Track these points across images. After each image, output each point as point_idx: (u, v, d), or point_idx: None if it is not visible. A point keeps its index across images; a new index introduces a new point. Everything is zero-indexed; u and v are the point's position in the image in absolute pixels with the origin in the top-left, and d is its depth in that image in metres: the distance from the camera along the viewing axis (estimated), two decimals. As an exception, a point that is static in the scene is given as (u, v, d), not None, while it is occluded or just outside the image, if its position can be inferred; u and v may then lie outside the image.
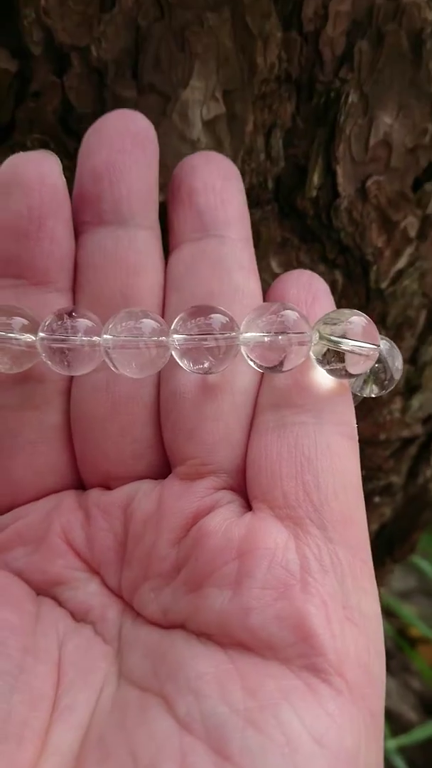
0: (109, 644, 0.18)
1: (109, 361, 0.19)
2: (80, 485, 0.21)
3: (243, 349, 0.19)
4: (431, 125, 0.24)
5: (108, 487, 0.20)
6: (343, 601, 0.17)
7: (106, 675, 0.18)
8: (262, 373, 0.19)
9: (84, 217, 0.20)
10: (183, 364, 0.19)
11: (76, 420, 0.20)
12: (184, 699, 0.16)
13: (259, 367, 0.19)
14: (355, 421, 0.19)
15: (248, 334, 0.19)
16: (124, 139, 0.19)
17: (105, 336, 0.18)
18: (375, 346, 0.19)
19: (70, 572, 0.19)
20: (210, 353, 0.18)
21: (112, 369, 0.19)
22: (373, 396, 0.20)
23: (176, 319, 0.19)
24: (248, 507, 0.18)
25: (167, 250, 0.21)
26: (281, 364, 0.19)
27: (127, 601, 0.19)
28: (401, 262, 0.27)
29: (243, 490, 0.19)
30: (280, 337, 0.18)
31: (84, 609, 0.19)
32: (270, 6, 0.22)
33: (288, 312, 0.19)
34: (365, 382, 0.20)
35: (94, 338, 0.18)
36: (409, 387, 0.31)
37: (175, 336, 0.19)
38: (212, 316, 0.18)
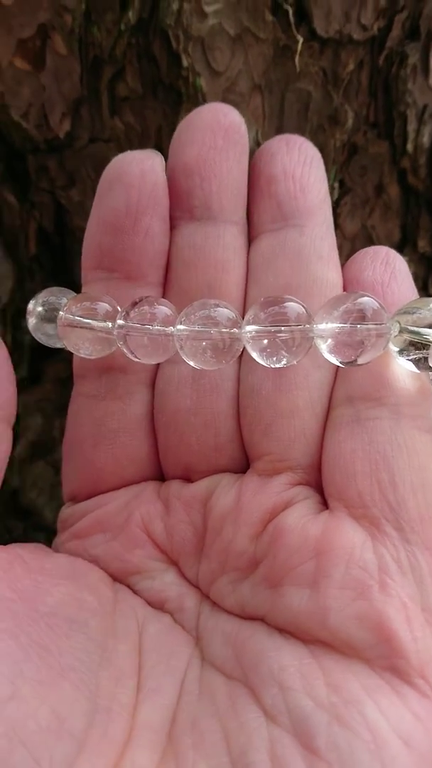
0: (188, 632, 0.19)
1: (181, 351, 0.19)
2: (160, 477, 0.21)
3: (318, 342, 0.18)
4: None
5: (188, 479, 0.20)
6: (423, 604, 0.16)
7: (190, 659, 0.18)
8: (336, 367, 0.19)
9: (176, 212, 0.20)
10: (256, 356, 0.18)
11: (160, 411, 0.20)
12: (269, 690, 0.16)
13: (336, 360, 0.18)
14: None
15: (323, 325, 0.18)
16: (215, 135, 0.19)
17: (179, 326, 0.18)
18: None
19: (148, 562, 0.20)
20: (284, 345, 0.18)
21: (183, 359, 0.19)
22: None
23: (249, 310, 0.18)
24: (325, 503, 0.18)
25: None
26: (358, 357, 0.18)
27: (204, 592, 0.19)
28: None
29: (320, 485, 0.19)
30: (358, 327, 0.17)
31: (161, 599, 0.19)
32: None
33: (365, 300, 0.18)
34: None
35: (169, 328, 0.18)
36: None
37: (248, 327, 0.18)
38: (286, 305, 0.18)
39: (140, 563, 0.20)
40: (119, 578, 0.20)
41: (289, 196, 0.20)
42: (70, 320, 0.19)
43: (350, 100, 0.26)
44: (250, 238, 0.20)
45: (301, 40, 0.24)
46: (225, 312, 0.18)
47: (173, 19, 0.23)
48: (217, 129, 0.19)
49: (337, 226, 0.28)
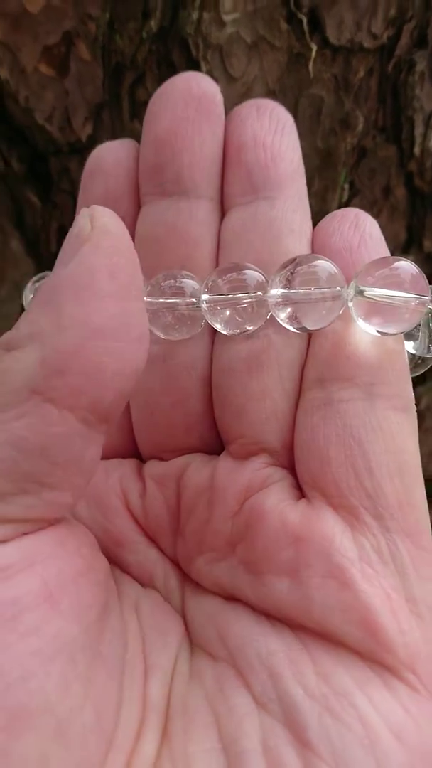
0: (177, 610, 0.18)
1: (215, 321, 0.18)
2: (139, 455, 0.21)
3: (272, 308, 0.17)
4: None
5: (160, 458, 0.20)
6: (406, 594, 0.16)
7: (180, 639, 0.18)
8: (308, 344, 0.18)
9: (147, 188, 0.19)
10: (216, 326, 0.18)
11: (133, 393, 0.20)
12: (258, 676, 0.16)
13: (290, 326, 0.17)
14: (411, 392, 0.17)
15: (274, 291, 0.17)
16: (187, 105, 0.18)
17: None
18: (425, 297, 0.16)
19: (130, 534, 0.19)
20: (242, 313, 0.17)
21: (218, 328, 0.18)
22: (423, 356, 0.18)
23: (206, 279, 0.18)
24: (298, 486, 0.18)
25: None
26: (315, 324, 0.17)
27: (185, 572, 0.19)
28: None
29: (293, 467, 0.18)
30: (311, 292, 0.16)
31: (148, 574, 0.19)
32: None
33: (321, 263, 0.17)
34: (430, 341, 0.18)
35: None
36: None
37: (204, 297, 0.17)
38: (246, 272, 0.17)
39: (123, 534, 0.19)
40: (106, 548, 0.19)
41: (259, 165, 0.18)
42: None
43: (360, 105, 0.27)
44: (223, 211, 0.20)
45: (315, 48, 0.25)
46: (190, 282, 0.18)
47: (193, 28, 0.25)
48: (189, 99, 0.18)
49: (347, 226, 0.29)
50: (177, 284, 0.18)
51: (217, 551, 0.18)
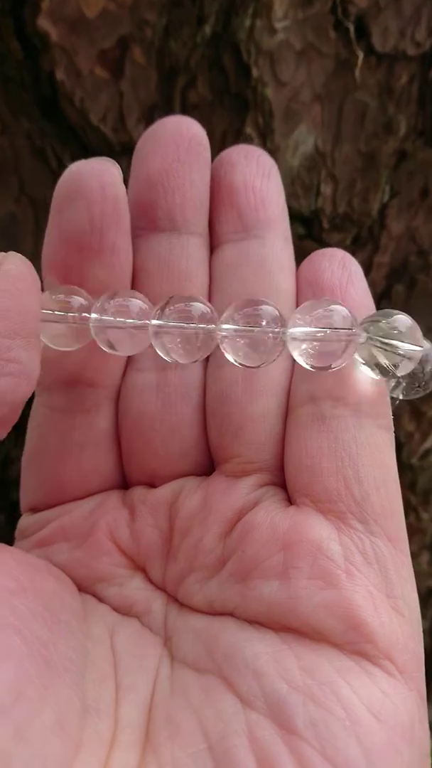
0: (156, 634, 0.19)
1: (159, 345, 0.19)
2: (123, 485, 0.21)
3: (290, 346, 0.18)
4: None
5: (152, 485, 0.20)
6: (387, 591, 0.17)
7: (159, 660, 0.18)
8: (293, 363, 0.19)
9: (139, 223, 0.20)
10: (229, 355, 0.19)
11: (124, 418, 0.20)
12: (244, 678, 0.16)
13: (308, 364, 0.18)
14: (391, 414, 0.19)
15: (296, 329, 0.18)
16: (178, 147, 0.19)
17: (154, 321, 0.18)
18: (419, 348, 0.18)
19: (115, 569, 0.20)
20: (262, 345, 0.18)
21: (160, 353, 0.19)
22: (402, 398, 0.20)
23: (227, 310, 0.19)
24: (288, 498, 0.19)
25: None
26: (333, 362, 0.18)
27: (171, 594, 0.19)
28: (429, 443, 0.34)
29: (284, 482, 0.19)
30: (327, 333, 0.18)
31: (128, 604, 0.19)
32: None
33: (337, 307, 0.18)
34: (396, 385, 0.20)
35: (145, 321, 0.18)
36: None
37: (224, 326, 0.18)
38: (262, 307, 0.18)
39: (106, 570, 0.20)
40: (84, 586, 0.20)
41: (249, 207, 0.20)
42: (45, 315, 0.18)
43: (402, 110, 0.28)
44: (212, 247, 0.21)
45: (361, 55, 0.26)
46: (201, 306, 0.19)
47: (245, 34, 0.26)
48: (180, 141, 0.19)
49: (384, 226, 0.30)
50: (186, 307, 0.19)
51: (208, 569, 0.19)
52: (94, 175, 0.18)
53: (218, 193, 0.20)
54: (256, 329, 0.18)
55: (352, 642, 0.17)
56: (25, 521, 0.21)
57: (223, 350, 0.19)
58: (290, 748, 0.15)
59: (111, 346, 0.19)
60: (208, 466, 0.20)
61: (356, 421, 0.18)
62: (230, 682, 0.17)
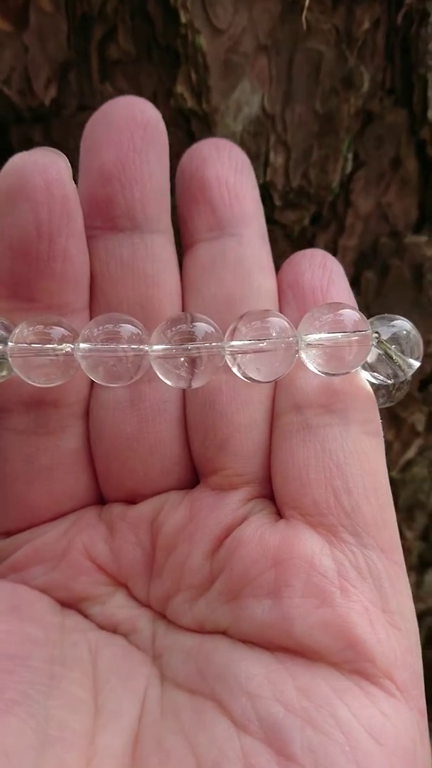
0: (144, 652, 0.18)
1: (162, 372, 0.18)
2: (99, 501, 0.20)
3: (302, 353, 0.18)
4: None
5: (132, 502, 0.19)
6: (383, 606, 0.17)
7: (148, 679, 0.18)
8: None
9: (94, 222, 0.18)
10: (236, 370, 0.18)
11: (98, 440, 0.19)
12: (238, 701, 0.16)
13: (321, 371, 0.18)
14: (379, 418, 0.18)
15: (310, 336, 0.18)
16: (133, 135, 0.18)
17: (155, 346, 0.17)
18: (417, 362, 0.18)
19: (95, 587, 0.19)
20: (270, 358, 0.17)
21: (165, 380, 0.18)
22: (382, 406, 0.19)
23: (230, 326, 0.18)
24: (278, 511, 0.18)
25: (179, 245, 0.20)
26: (343, 367, 0.18)
27: (158, 611, 0.19)
28: (410, 453, 0.30)
29: (271, 495, 0.18)
30: (339, 337, 0.17)
31: (113, 622, 0.19)
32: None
33: (348, 312, 0.18)
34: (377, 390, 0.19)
35: (143, 347, 0.17)
36: (423, 562, 0.33)
37: (233, 342, 0.17)
38: (269, 320, 0.18)
39: (86, 590, 0.19)
40: (67, 605, 0.19)
41: (223, 203, 0.19)
42: (22, 348, 0.17)
43: (365, 62, 0.24)
44: (185, 246, 0.20)
45: (311, -8, 0.22)
46: (204, 326, 0.18)
47: (169, -30, 0.21)
48: (134, 128, 0.18)
49: (350, 203, 0.26)
50: (189, 329, 0.18)
51: (195, 588, 0.18)
52: (38, 171, 0.16)
53: (189, 189, 0.19)
54: (267, 342, 0.17)
55: (350, 661, 0.16)
56: None
57: (231, 367, 0.18)
58: None
59: (108, 379, 0.18)
60: (191, 480, 0.19)
61: (343, 429, 0.17)
62: (223, 704, 0.16)
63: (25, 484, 0.19)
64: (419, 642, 0.17)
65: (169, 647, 0.18)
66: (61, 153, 0.17)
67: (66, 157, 0.17)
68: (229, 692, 0.16)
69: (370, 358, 0.18)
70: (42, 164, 0.17)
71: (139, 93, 0.23)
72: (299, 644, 0.16)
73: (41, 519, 0.19)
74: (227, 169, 0.19)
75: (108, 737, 0.16)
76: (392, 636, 0.16)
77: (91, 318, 0.19)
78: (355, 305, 0.19)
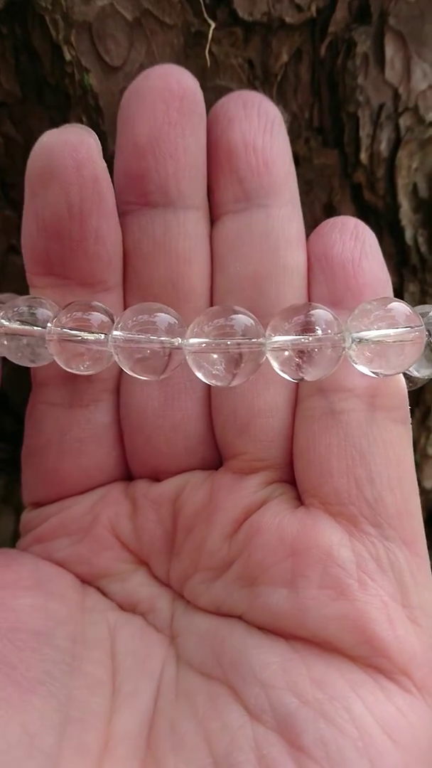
0: (162, 633, 0.18)
1: (194, 365, 0.17)
2: (128, 477, 0.20)
3: (270, 356, 0.17)
4: None
5: (156, 479, 0.19)
6: (403, 601, 0.16)
7: (164, 661, 0.17)
8: None
9: (128, 197, 0.18)
10: (276, 367, 0.17)
11: (126, 415, 0.19)
12: (252, 689, 0.16)
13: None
14: (408, 404, 0.17)
15: (276, 338, 0.17)
16: (168, 106, 0.17)
17: (191, 340, 0.17)
18: (419, 327, 0.16)
19: (117, 564, 0.19)
20: (312, 356, 0.16)
21: (200, 377, 0.17)
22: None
23: (271, 322, 0.17)
24: (298, 497, 0.18)
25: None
26: (306, 372, 0.17)
27: (178, 591, 0.19)
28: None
29: (293, 479, 0.18)
30: (309, 339, 0.16)
31: (132, 601, 0.19)
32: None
33: (318, 312, 0.16)
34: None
35: (175, 339, 0.17)
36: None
37: (276, 338, 0.17)
38: (234, 317, 0.17)
39: (108, 566, 0.19)
40: (88, 581, 0.19)
41: (251, 171, 0.18)
42: (61, 334, 0.17)
43: (287, 99, 0.21)
44: (212, 219, 0.19)
45: (213, 25, 0.19)
46: (244, 318, 0.17)
47: (49, 1, 0.18)
48: (169, 99, 0.17)
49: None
50: (228, 322, 0.17)
51: (213, 570, 0.18)
52: (68, 151, 0.16)
53: (215, 155, 0.18)
54: (312, 338, 0.16)
55: (366, 656, 0.16)
56: (27, 516, 0.20)
57: (274, 367, 0.17)
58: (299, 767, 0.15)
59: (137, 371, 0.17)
60: (216, 461, 0.19)
61: (368, 415, 0.17)
62: (237, 691, 0.16)
63: (57, 457, 0.19)
64: None
65: (186, 629, 0.18)
66: (90, 130, 0.17)
67: (95, 134, 0.17)
68: (243, 680, 0.16)
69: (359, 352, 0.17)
70: (72, 144, 0.16)
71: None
72: (314, 635, 0.16)
73: (70, 492, 0.19)
74: (255, 130, 0.18)
75: (124, 719, 0.16)
76: (411, 632, 0.16)
77: (125, 296, 0.19)
78: (389, 279, 0.18)
